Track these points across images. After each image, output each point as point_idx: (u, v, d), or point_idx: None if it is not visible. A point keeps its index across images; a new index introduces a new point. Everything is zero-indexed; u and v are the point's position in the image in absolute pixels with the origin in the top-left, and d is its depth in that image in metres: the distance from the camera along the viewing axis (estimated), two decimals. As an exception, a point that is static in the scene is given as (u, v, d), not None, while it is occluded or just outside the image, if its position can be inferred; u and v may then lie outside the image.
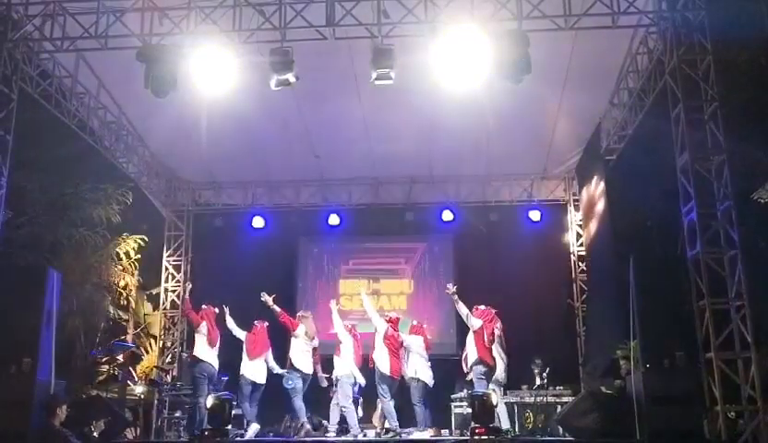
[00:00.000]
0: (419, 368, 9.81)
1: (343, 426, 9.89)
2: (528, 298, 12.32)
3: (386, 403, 9.57)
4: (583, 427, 8.51)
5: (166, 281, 14.22)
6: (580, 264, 13.89)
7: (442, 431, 10.24)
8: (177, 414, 11.09)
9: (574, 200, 14.10)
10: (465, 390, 10.45)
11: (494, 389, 9.29)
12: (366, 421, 11.08)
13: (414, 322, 10.46)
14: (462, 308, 9.68)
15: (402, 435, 9.55)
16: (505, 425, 9.41)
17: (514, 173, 14.10)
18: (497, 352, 9.73)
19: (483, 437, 8.30)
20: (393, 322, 9.95)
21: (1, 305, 8.28)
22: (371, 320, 9.96)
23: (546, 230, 14.02)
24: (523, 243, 13.56)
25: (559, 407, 10.11)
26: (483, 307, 9.77)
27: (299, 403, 9.60)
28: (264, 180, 14.37)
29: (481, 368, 9.39)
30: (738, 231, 8.15)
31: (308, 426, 9.54)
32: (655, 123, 9.92)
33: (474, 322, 9.56)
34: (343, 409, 9.61)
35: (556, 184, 14.35)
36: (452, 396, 11.10)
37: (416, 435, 9.49)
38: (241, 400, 9.79)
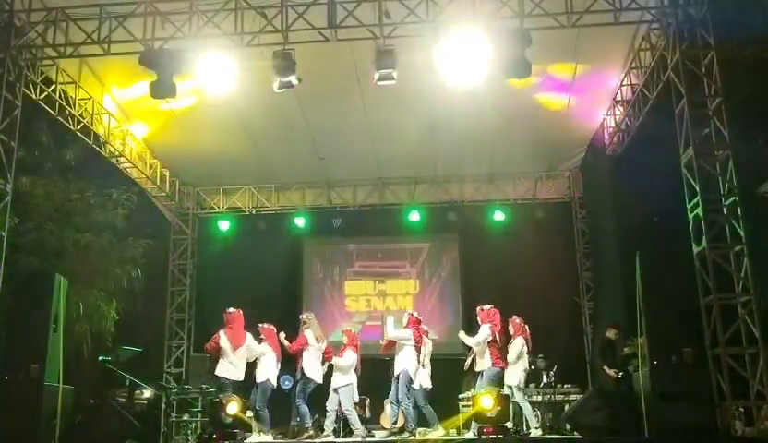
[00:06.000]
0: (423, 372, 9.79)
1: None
2: (534, 296, 12.30)
3: (409, 405, 9.51)
4: (592, 425, 8.50)
5: (172, 286, 14.25)
6: (585, 262, 13.87)
7: (449, 431, 10.23)
8: (185, 418, 11.11)
9: (579, 198, 14.08)
10: (472, 390, 10.45)
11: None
12: (374, 422, 11.10)
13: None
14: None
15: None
16: (533, 424, 9.47)
17: (518, 172, 14.10)
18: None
19: (490, 437, 8.30)
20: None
21: (8, 312, 8.33)
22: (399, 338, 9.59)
23: (552, 228, 14.00)
24: (528, 241, 13.55)
25: (567, 405, 10.10)
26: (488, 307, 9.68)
27: (305, 408, 9.57)
28: (268, 182, 14.39)
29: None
30: (744, 226, 8.13)
31: (311, 432, 9.51)
32: (659, 119, 9.89)
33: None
34: (347, 412, 9.59)
35: (560, 182, 14.33)
36: (459, 396, 11.11)
37: (431, 434, 9.45)
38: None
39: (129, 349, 12.14)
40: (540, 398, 10.36)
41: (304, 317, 10.05)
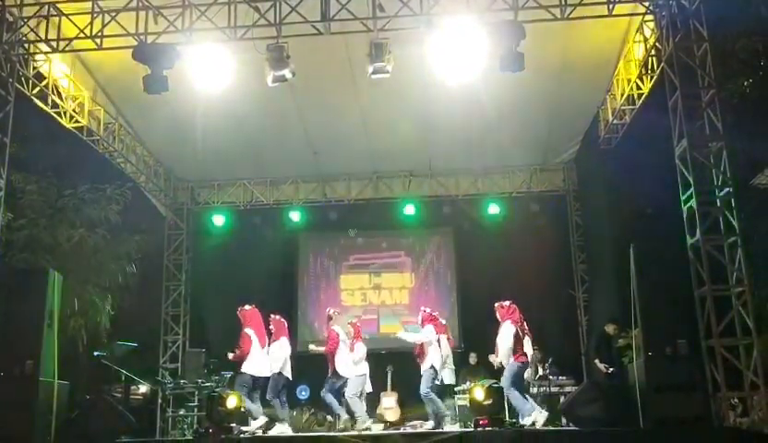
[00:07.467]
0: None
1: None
2: (529, 289, 12.29)
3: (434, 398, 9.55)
4: (587, 417, 8.51)
5: (167, 280, 14.23)
6: (580, 254, 13.90)
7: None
8: (181, 412, 11.11)
9: (573, 191, 14.10)
10: (468, 383, 10.47)
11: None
12: (370, 415, 11.10)
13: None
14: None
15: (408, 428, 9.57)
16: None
17: (513, 165, 14.10)
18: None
19: (486, 429, 8.33)
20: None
21: (3, 308, 8.28)
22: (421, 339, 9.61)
23: (546, 220, 14.03)
24: (523, 234, 13.57)
25: (562, 397, 10.13)
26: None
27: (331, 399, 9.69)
28: (263, 177, 14.36)
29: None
30: (738, 217, 8.14)
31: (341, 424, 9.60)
32: (653, 111, 9.90)
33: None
34: (349, 399, 9.63)
35: (555, 175, 14.33)
36: (456, 388, 11.13)
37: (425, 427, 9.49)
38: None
39: (125, 344, 12.12)
40: (535, 390, 10.39)
41: (331, 312, 10.10)
